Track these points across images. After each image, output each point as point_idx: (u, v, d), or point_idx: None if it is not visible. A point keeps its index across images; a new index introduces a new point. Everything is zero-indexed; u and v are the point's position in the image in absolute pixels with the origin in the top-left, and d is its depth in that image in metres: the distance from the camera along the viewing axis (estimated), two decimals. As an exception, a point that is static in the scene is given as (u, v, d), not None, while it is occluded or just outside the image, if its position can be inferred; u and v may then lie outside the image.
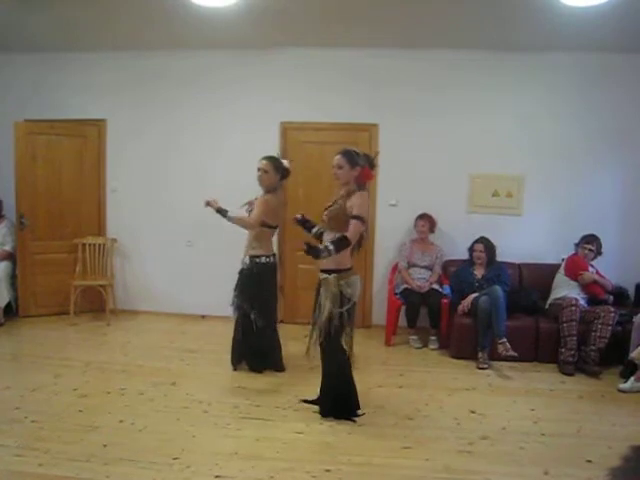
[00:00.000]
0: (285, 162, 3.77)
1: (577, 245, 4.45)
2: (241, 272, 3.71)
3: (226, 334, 3.88)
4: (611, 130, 4.77)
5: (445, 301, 4.50)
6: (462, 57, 4.79)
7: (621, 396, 3.57)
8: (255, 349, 3.74)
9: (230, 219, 3.51)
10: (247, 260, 3.67)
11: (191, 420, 3.04)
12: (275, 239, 3.95)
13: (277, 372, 3.78)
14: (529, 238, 4.87)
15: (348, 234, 2.89)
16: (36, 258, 5.06)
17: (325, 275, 3.00)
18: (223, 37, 4.64)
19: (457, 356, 4.27)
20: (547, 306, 4.38)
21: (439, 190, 4.95)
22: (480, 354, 4.12)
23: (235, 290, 3.73)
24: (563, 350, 4.01)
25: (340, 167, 3.00)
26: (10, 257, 5.02)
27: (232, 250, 4.25)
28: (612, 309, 4.01)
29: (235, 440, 2.83)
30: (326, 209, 3.06)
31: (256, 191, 3.70)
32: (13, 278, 5.01)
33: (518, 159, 4.88)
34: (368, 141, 4.96)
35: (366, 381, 3.59)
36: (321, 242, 3.11)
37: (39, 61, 5.22)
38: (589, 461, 2.67)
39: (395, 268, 4.92)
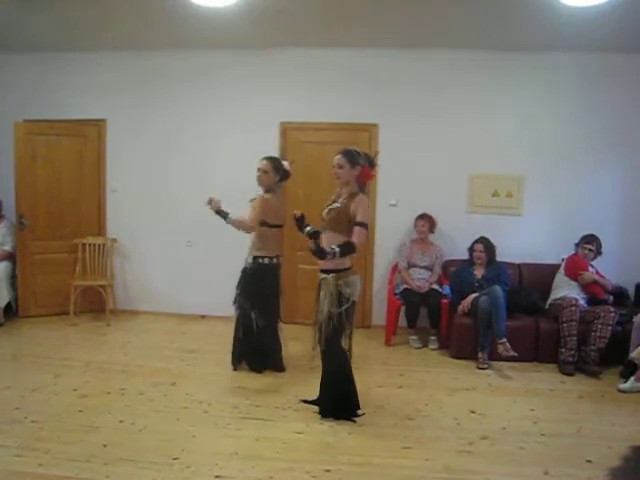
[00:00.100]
0: (285, 163, 3.76)
1: (577, 245, 4.45)
2: (244, 271, 3.71)
3: (226, 334, 3.88)
4: (611, 130, 4.77)
5: (445, 301, 4.50)
6: (462, 57, 4.79)
7: (621, 396, 3.57)
8: (255, 349, 3.75)
9: (230, 222, 3.52)
10: (250, 260, 3.67)
11: (191, 420, 3.04)
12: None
13: (277, 372, 3.78)
14: (529, 238, 4.87)
15: (354, 240, 2.90)
16: (36, 258, 5.06)
17: (324, 275, 3.00)
18: (223, 37, 4.64)
19: (457, 356, 4.27)
20: (547, 306, 4.38)
21: (439, 190, 4.95)
22: (480, 354, 4.12)
23: (237, 288, 3.73)
24: (563, 350, 4.01)
25: (340, 167, 3.00)
26: (10, 257, 5.02)
27: (232, 250, 4.26)
28: (612, 309, 4.01)
29: (235, 440, 2.83)
30: (326, 207, 3.06)
31: (256, 191, 3.70)
32: (13, 278, 5.01)
33: (518, 159, 4.88)
34: (368, 141, 4.96)
35: (366, 381, 3.59)
36: (315, 242, 3.14)
37: (39, 61, 5.22)
38: (589, 461, 2.67)
39: (395, 268, 4.91)
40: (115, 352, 4.21)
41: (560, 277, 4.44)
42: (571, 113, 4.81)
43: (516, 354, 3.93)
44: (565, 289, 4.31)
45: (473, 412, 3.26)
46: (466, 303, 4.28)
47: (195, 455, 2.66)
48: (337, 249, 2.85)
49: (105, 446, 2.70)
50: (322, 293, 3.00)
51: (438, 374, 3.95)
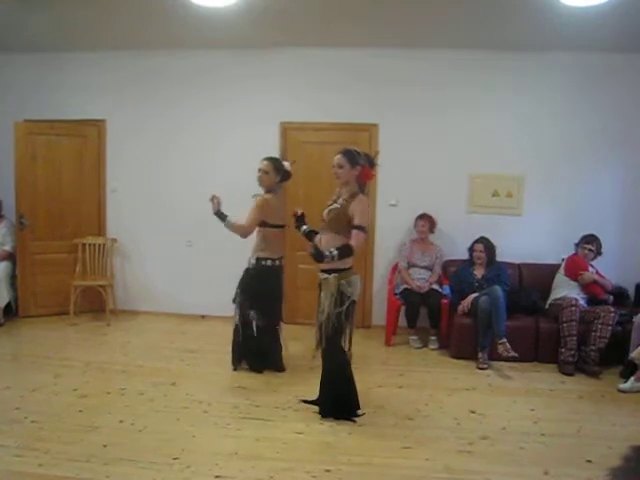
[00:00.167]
0: (286, 164, 3.76)
1: (577, 245, 4.45)
2: (247, 271, 3.71)
3: (226, 334, 3.88)
4: (611, 130, 4.77)
5: (445, 301, 4.50)
6: (462, 57, 4.79)
7: (621, 396, 3.57)
8: (255, 349, 3.74)
9: (227, 225, 3.53)
10: (253, 261, 3.66)
11: (191, 420, 3.04)
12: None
13: (277, 372, 3.78)
14: (529, 238, 4.87)
15: (352, 243, 2.91)
16: (36, 258, 5.06)
17: (325, 275, 3.00)
18: (223, 37, 4.64)
19: (457, 356, 4.27)
20: (547, 306, 4.38)
21: (439, 190, 4.95)
22: (480, 354, 4.11)
23: (238, 287, 3.74)
24: (563, 350, 4.01)
25: (341, 166, 3.00)
26: (10, 257, 5.02)
27: (232, 250, 4.26)
28: (612, 309, 4.01)
29: (235, 440, 2.83)
30: (327, 208, 3.07)
31: (256, 191, 3.70)
32: (13, 278, 5.01)
33: (518, 159, 4.88)
34: (368, 141, 4.96)
35: (366, 381, 3.59)
36: (310, 240, 3.20)
37: (39, 61, 5.22)
38: (589, 461, 2.68)
39: (395, 268, 4.91)
40: (115, 352, 4.21)
41: (560, 277, 4.44)
42: (571, 113, 4.81)
43: (516, 354, 3.93)
44: (565, 289, 4.31)
45: (473, 412, 3.26)
46: (466, 303, 4.28)
47: (195, 455, 2.66)
48: (335, 252, 2.86)
49: (105, 446, 2.70)
50: (323, 293, 3.00)
51: (438, 374, 3.95)
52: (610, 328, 3.93)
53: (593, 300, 4.25)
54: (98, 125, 5.28)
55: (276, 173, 3.66)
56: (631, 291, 4.65)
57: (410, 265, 4.77)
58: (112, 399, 3.30)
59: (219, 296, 4.09)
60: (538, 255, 4.78)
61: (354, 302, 3.03)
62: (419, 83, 4.92)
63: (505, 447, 2.83)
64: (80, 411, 3.10)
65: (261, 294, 3.64)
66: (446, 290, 4.61)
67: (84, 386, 3.49)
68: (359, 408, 3.15)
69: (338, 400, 3.10)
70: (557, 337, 4.08)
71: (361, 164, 3.01)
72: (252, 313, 3.63)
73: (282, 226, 3.70)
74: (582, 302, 4.18)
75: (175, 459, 2.60)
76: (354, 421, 3.07)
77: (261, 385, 3.60)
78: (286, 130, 5.10)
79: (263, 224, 3.60)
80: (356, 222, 2.92)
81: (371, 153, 3.23)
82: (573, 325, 3.99)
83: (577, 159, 4.83)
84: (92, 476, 2.44)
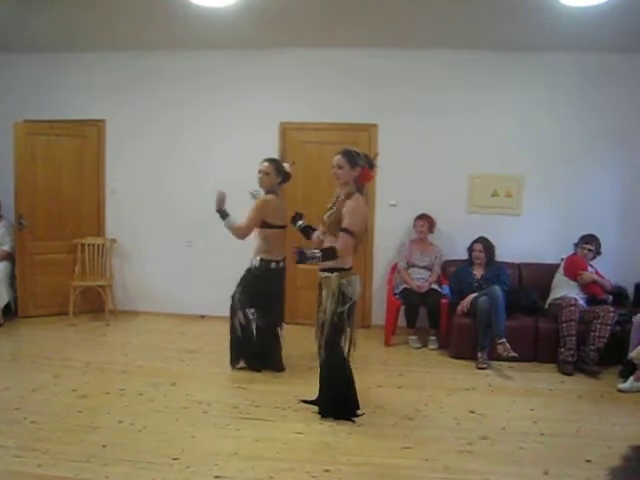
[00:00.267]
0: (286, 165, 3.77)
1: (576, 245, 4.46)
2: (248, 271, 3.71)
3: (226, 334, 3.87)
4: (611, 130, 4.77)
5: (444, 301, 4.50)
6: (462, 57, 4.79)
7: (620, 396, 3.57)
8: (255, 348, 3.74)
9: (227, 224, 3.54)
10: (256, 263, 3.65)
11: (191, 420, 3.04)
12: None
13: (277, 372, 3.78)
14: (528, 238, 4.87)
15: (337, 246, 2.91)
16: (35, 258, 5.06)
17: (326, 274, 3.00)
18: (223, 37, 4.64)
19: (457, 356, 4.27)
20: (546, 306, 4.38)
21: (439, 190, 4.95)
22: (480, 354, 4.12)
23: (239, 286, 3.73)
24: (562, 350, 4.02)
25: (340, 167, 2.99)
26: (9, 257, 5.02)
27: (232, 250, 4.26)
28: (611, 309, 4.01)
29: (235, 440, 2.83)
30: (327, 212, 3.07)
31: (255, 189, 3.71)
32: (12, 278, 5.01)
33: (518, 159, 4.88)
34: (368, 141, 4.96)
35: (366, 381, 3.59)
36: (307, 237, 3.27)
37: (39, 61, 5.22)
38: (589, 461, 2.68)
39: (394, 268, 4.92)
40: (115, 352, 4.21)
41: (559, 277, 4.44)
42: (571, 113, 4.82)
43: (516, 354, 3.93)
44: (564, 289, 4.31)
45: (473, 412, 3.26)
46: (465, 303, 4.28)
47: (195, 455, 2.65)
48: (319, 254, 2.87)
49: (104, 446, 2.70)
50: (324, 292, 3.00)
51: (438, 374, 3.95)
52: (609, 328, 3.93)
53: (592, 300, 4.25)
54: (98, 125, 5.28)
55: (277, 174, 3.67)
56: (630, 291, 4.65)
57: (409, 265, 4.77)
58: (112, 399, 3.30)
59: (219, 296, 4.09)
60: (537, 255, 4.78)
61: (354, 303, 3.03)
62: (418, 83, 4.92)
63: (505, 447, 2.83)
64: (80, 411, 3.10)
65: (262, 294, 3.64)
66: (445, 290, 4.61)
67: (84, 386, 3.49)
68: (359, 408, 3.15)
69: (338, 400, 3.10)
70: (556, 337, 4.08)
71: (361, 165, 3.00)
72: (252, 312, 3.63)
73: (283, 227, 3.70)
74: (581, 302, 4.18)
75: (175, 459, 2.60)
76: (353, 421, 3.07)
77: (261, 385, 3.60)
78: (286, 130, 5.10)
79: (264, 225, 3.60)
80: (344, 224, 2.91)
81: (371, 154, 3.22)
82: (572, 325, 3.99)
83: (576, 159, 4.83)
84: (91, 476, 2.44)
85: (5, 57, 5.20)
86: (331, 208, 3.05)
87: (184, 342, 4.53)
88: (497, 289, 4.16)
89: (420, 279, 4.67)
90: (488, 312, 4.07)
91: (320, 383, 3.18)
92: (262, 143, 4.92)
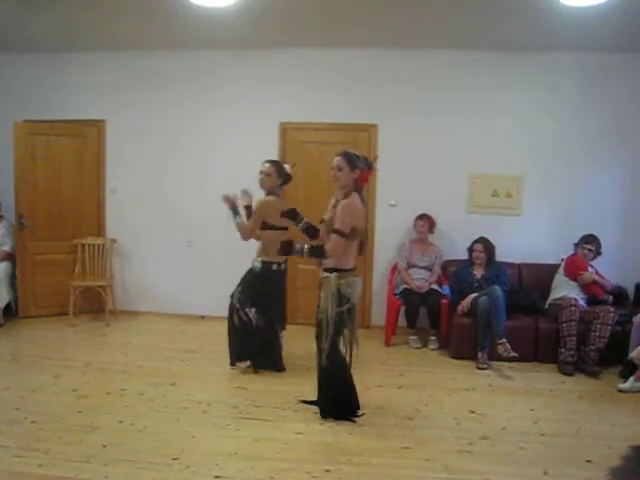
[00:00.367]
0: (287, 166, 3.76)
1: (576, 245, 4.46)
2: (250, 271, 3.71)
3: (226, 335, 3.87)
4: (611, 130, 4.77)
5: (444, 301, 4.50)
6: (462, 57, 4.79)
7: (621, 396, 3.57)
8: (256, 347, 3.73)
9: (236, 222, 3.58)
10: (258, 264, 3.65)
11: (191, 420, 3.04)
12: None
13: (277, 372, 3.78)
14: (529, 238, 4.87)
15: (327, 246, 2.91)
16: (36, 259, 5.06)
17: (326, 274, 3.00)
18: (223, 37, 4.64)
19: (457, 356, 4.27)
20: (546, 306, 4.38)
21: (439, 190, 4.95)
22: (480, 354, 4.11)
23: (239, 286, 3.74)
24: (563, 350, 4.02)
25: (340, 169, 2.98)
26: (9, 257, 5.02)
27: (232, 250, 4.27)
28: (611, 309, 4.01)
29: (235, 440, 2.83)
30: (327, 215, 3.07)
31: (256, 191, 3.70)
32: (12, 279, 5.01)
33: (518, 159, 4.88)
34: (367, 141, 4.96)
35: (366, 381, 3.59)
36: (311, 237, 3.20)
37: (39, 61, 5.22)
38: (589, 461, 2.68)
39: (394, 268, 4.92)
40: (115, 352, 4.21)
41: (559, 277, 4.44)
42: (571, 113, 4.82)
43: (516, 354, 3.93)
44: (565, 289, 4.31)
45: (473, 412, 3.26)
46: (466, 303, 4.28)
47: (195, 455, 2.66)
48: (306, 249, 2.90)
49: (105, 446, 2.70)
50: (323, 292, 3.00)
51: (438, 374, 3.95)
52: (609, 328, 3.93)
53: (593, 300, 4.25)
54: (98, 125, 5.28)
55: (278, 176, 3.67)
56: (630, 291, 4.65)
57: (410, 265, 4.77)
58: (112, 399, 3.30)
59: (219, 296, 4.09)
60: (538, 255, 4.78)
61: (353, 306, 3.02)
62: (418, 83, 4.92)
63: (505, 447, 2.83)
64: (80, 411, 3.10)
65: (262, 294, 3.64)
66: (446, 290, 4.61)
67: (84, 386, 3.49)
68: (359, 408, 3.16)
69: (337, 400, 3.10)
70: (557, 337, 4.08)
71: (360, 168, 3.00)
72: (252, 312, 3.63)
73: (285, 228, 3.69)
74: (582, 302, 4.18)
75: (175, 459, 2.60)
76: (354, 421, 3.07)
77: (261, 385, 3.60)
78: (286, 130, 5.10)
79: (265, 226, 3.60)
80: (335, 225, 2.90)
81: (370, 156, 3.22)
82: (573, 325, 3.99)
83: (576, 159, 4.83)
84: (92, 476, 2.44)
85: (5, 57, 5.20)
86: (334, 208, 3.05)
87: (184, 342, 4.53)
88: (497, 289, 4.16)
89: (420, 279, 4.67)
90: (488, 312, 4.07)
91: (319, 384, 3.17)
92: (262, 143, 4.93)
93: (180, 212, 5.22)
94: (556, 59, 4.76)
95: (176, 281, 5.29)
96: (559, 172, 4.85)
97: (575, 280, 4.31)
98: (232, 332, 3.79)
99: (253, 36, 4.66)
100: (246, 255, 3.79)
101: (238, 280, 3.77)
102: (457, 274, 4.55)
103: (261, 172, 3.66)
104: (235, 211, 3.58)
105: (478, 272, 4.48)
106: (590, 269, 4.36)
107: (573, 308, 4.02)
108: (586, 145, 4.82)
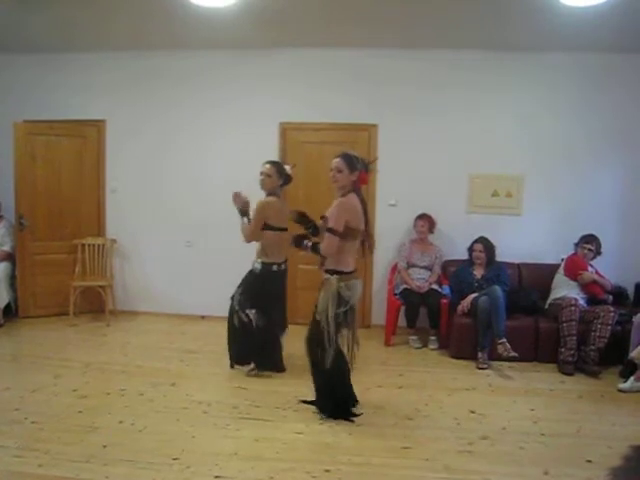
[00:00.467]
0: (287, 167, 3.76)
1: (576, 245, 4.46)
2: (251, 272, 3.71)
3: (225, 335, 3.87)
4: (611, 130, 4.77)
5: (444, 301, 4.50)
6: (462, 57, 4.79)
7: (621, 396, 3.57)
8: (256, 349, 3.73)
9: (243, 223, 3.60)
10: (258, 265, 3.65)
11: (191, 421, 3.04)
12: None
13: (277, 372, 3.78)
14: (529, 238, 4.87)
15: (321, 246, 2.93)
16: (35, 259, 5.06)
17: (327, 275, 3.00)
18: (223, 37, 4.64)
19: (457, 356, 4.27)
20: (547, 306, 4.38)
21: (439, 190, 4.95)
22: (480, 354, 4.11)
23: (239, 287, 3.74)
24: (563, 350, 4.02)
25: (340, 171, 2.98)
26: (9, 258, 5.02)
27: (232, 250, 4.27)
28: (612, 309, 4.01)
29: (235, 440, 2.83)
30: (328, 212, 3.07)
31: (256, 191, 3.70)
32: (12, 279, 5.01)
33: (518, 159, 4.88)
34: (367, 141, 4.97)
35: (366, 381, 3.59)
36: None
37: (38, 62, 5.22)
38: (589, 461, 2.68)
39: (394, 268, 4.92)
40: (115, 352, 4.21)
41: (560, 277, 4.44)
42: (571, 113, 4.82)
43: (516, 354, 3.93)
44: (565, 289, 4.31)
45: (473, 412, 3.26)
46: (466, 303, 4.28)
47: (195, 455, 2.66)
48: (310, 245, 2.98)
49: (105, 447, 2.70)
50: (323, 294, 3.00)
51: (438, 374, 3.95)
52: (610, 328, 3.93)
53: (593, 300, 4.25)
54: (98, 125, 5.27)
55: (278, 176, 3.67)
56: (630, 291, 4.65)
57: (410, 265, 4.77)
58: (112, 400, 3.30)
59: (219, 296, 4.09)
60: (538, 255, 4.78)
61: (352, 308, 3.02)
62: (419, 83, 4.92)
63: (505, 447, 2.83)
64: (80, 412, 3.10)
65: (263, 295, 3.64)
66: (446, 290, 4.61)
67: (84, 387, 3.49)
68: (355, 407, 3.16)
69: (335, 400, 3.10)
70: (557, 337, 4.08)
71: (359, 169, 3.00)
72: (252, 313, 3.63)
73: (284, 229, 3.69)
74: (582, 302, 4.18)
75: (175, 459, 2.60)
76: (352, 421, 3.07)
77: (261, 385, 3.60)
78: (285, 130, 5.10)
79: (265, 227, 3.60)
80: (329, 224, 2.91)
81: (368, 158, 3.21)
82: (573, 325, 3.99)
83: (576, 159, 4.83)
84: (92, 476, 2.44)
85: (5, 57, 5.20)
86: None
87: (184, 342, 4.53)
88: (497, 289, 4.16)
89: (420, 279, 4.67)
90: (488, 312, 4.07)
91: (317, 384, 3.17)
92: (262, 143, 4.93)
93: (180, 212, 5.22)
94: (556, 59, 4.76)
95: (176, 281, 5.29)
96: (559, 172, 4.85)
97: (575, 280, 4.31)
98: (232, 334, 3.79)
99: (253, 36, 4.66)
100: (246, 255, 3.79)
101: (238, 280, 3.77)
102: (457, 274, 4.55)
103: (261, 173, 3.66)
104: (243, 212, 3.59)
105: (478, 272, 4.48)
106: (590, 269, 4.36)
107: (573, 308, 4.02)
108: (586, 145, 4.82)
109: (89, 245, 5.18)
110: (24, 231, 4.99)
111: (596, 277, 4.31)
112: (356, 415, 3.12)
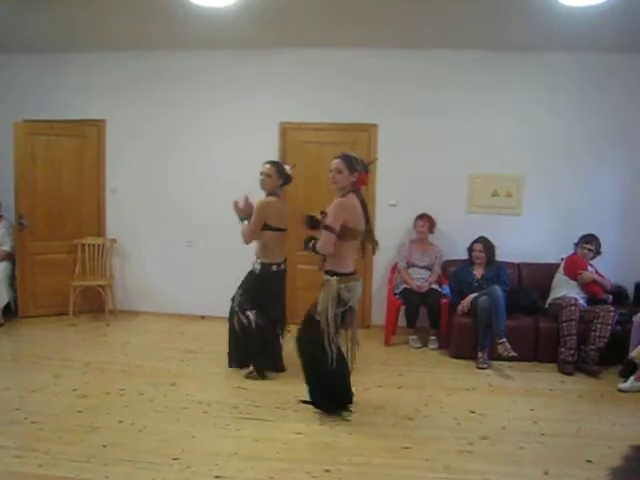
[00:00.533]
0: (287, 167, 3.76)
1: (576, 245, 4.46)
2: (251, 273, 3.71)
3: (226, 335, 3.87)
4: (611, 130, 4.77)
5: (444, 301, 4.50)
6: (462, 57, 4.79)
7: (621, 396, 3.57)
8: (256, 350, 3.73)
9: (242, 226, 3.60)
10: (258, 266, 3.65)
11: (191, 420, 3.04)
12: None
13: (277, 372, 3.78)
14: (529, 238, 4.87)
15: (318, 244, 2.93)
16: (35, 259, 5.06)
17: (327, 276, 3.01)
18: (223, 37, 4.64)
19: (457, 356, 4.27)
20: (547, 306, 4.38)
21: (439, 190, 4.95)
22: (480, 354, 4.11)
23: (239, 288, 3.74)
24: (563, 350, 4.02)
25: (340, 171, 2.99)
26: (9, 257, 5.02)
27: (232, 250, 4.26)
28: (611, 308, 4.01)
29: (235, 440, 2.83)
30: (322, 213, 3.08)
31: (256, 191, 3.70)
32: (12, 279, 5.01)
33: (518, 159, 4.88)
34: (367, 141, 4.96)
35: (366, 381, 3.60)
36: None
37: (38, 61, 5.22)
38: (589, 461, 2.68)
39: (394, 268, 4.92)
40: (115, 352, 4.21)
41: (559, 277, 4.44)
42: (571, 113, 4.82)
43: (516, 354, 3.93)
44: (564, 289, 4.31)
45: (473, 412, 3.26)
46: (466, 303, 4.28)
47: (195, 455, 2.66)
48: (311, 245, 2.98)
49: (105, 446, 2.70)
50: (322, 294, 3.00)
51: (438, 374, 3.95)
52: (610, 327, 3.93)
53: (593, 299, 4.25)
54: (98, 125, 5.27)
55: (278, 176, 3.67)
56: (630, 290, 4.65)
57: (409, 265, 4.77)
58: (112, 399, 3.30)
59: (219, 296, 4.09)
60: (537, 255, 4.78)
61: (351, 309, 3.03)
62: (419, 83, 4.92)
63: (505, 447, 2.83)
64: (80, 411, 3.10)
65: (262, 294, 3.64)
66: (446, 290, 4.61)
67: (84, 386, 3.49)
68: (351, 402, 3.19)
69: (332, 399, 3.11)
70: (557, 337, 4.08)
71: (359, 170, 3.00)
72: (252, 313, 3.63)
73: (284, 229, 3.69)
74: (582, 301, 4.18)
75: (175, 459, 2.60)
76: (348, 420, 3.07)
77: (261, 385, 3.60)
78: (285, 130, 5.10)
79: (265, 227, 3.60)
80: (326, 222, 2.93)
81: (370, 158, 3.22)
82: (573, 325, 3.99)
83: (576, 159, 4.83)
84: (92, 476, 2.44)
85: (4, 57, 5.20)
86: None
87: (184, 342, 4.53)
88: (497, 289, 4.16)
89: (420, 279, 4.67)
90: (488, 312, 4.07)
91: (308, 384, 3.18)
92: (262, 143, 4.93)
93: (180, 212, 5.22)
94: (556, 59, 4.76)
95: (176, 281, 5.29)
96: (559, 172, 4.85)
97: (575, 279, 4.31)
98: (232, 337, 3.79)
99: (253, 36, 4.66)
100: (246, 255, 3.78)
101: (238, 280, 3.77)
102: (457, 274, 4.55)
103: (262, 173, 3.66)
104: (243, 217, 3.60)
105: (478, 272, 4.48)
106: (590, 268, 4.36)
107: (573, 307, 4.02)
108: (586, 145, 4.82)
109: (89, 245, 5.18)
110: (24, 231, 4.99)
111: (596, 277, 4.31)
112: (349, 410, 3.13)
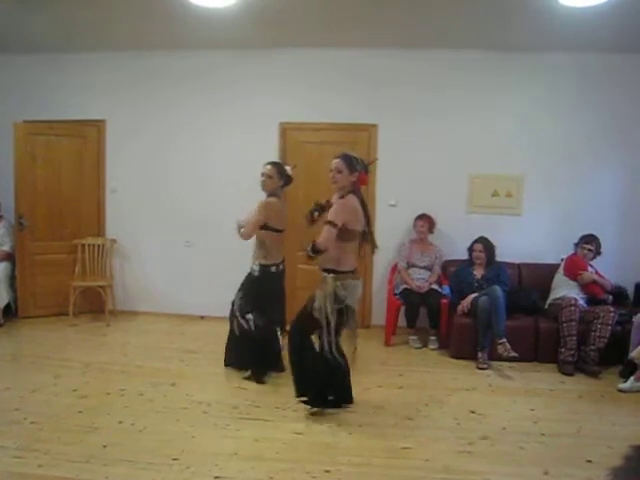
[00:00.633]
0: (288, 168, 3.76)
1: (576, 245, 4.46)
2: (249, 275, 3.71)
3: (225, 335, 3.87)
4: (611, 130, 4.77)
5: (444, 301, 4.50)
6: (462, 57, 4.79)
7: (621, 396, 3.57)
8: (256, 354, 3.72)
9: (237, 227, 3.64)
10: (257, 268, 3.64)
11: (191, 421, 3.04)
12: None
13: (277, 372, 3.78)
14: (529, 238, 4.87)
15: (319, 240, 2.91)
16: (35, 259, 5.06)
17: (324, 274, 3.01)
18: (223, 37, 4.64)
19: (457, 356, 4.27)
20: (546, 306, 4.38)
21: (439, 190, 4.95)
22: (480, 354, 4.11)
23: (239, 291, 3.74)
24: (563, 350, 4.02)
25: (339, 171, 2.99)
26: (9, 258, 5.02)
27: (231, 250, 4.26)
28: (611, 309, 4.01)
29: (235, 441, 2.83)
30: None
31: (255, 191, 3.70)
32: (12, 279, 5.01)
33: (518, 159, 4.88)
34: (367, 141, 4.96)
35: (366, 381, 3.60)
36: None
37: (38, 62, 5.22)
38: (589, 461, 2.68)
39: (394, 268, 4.91)
40: (115, 353, 4.21)
41: (559, 277, 4.44)
42: (571, 113, 4.82)
43: (516, 354, 3.93)
44: (564, 289, 4.31)
45: (473, 412, 3.26)
46: (466, 303, 4.28)
47: (195, 456, 2.65)
48: (309, 248, 2.92)
49: (105, 447, 2.70)
50: (319, 292, 3.01)
51: (438, 374, 3.95)
52: (610, 328, 3.93)
53: (592, 300, 4.25)
54: (98, 125, 5.27)
55: (279, 177, 3.67)
56: (630, 291, 4.65)
57: (409, 265, 4.77)
58: (112, 400, 3.30)
59: (219, 297, 4.09)
60: (537, 255, 4.78)
61: (349, 307, 3.02)
62: (419, 83, 4.92)
63: (505, 447, 2.83)
64: (80, 412, 3.10)
65: (262, 295, 3.64)
66: (446, 290, 4.61)
67: (84, 387, 3.49)
68: (352, 402, 3.20)
69: (318, 388, 3.12)
70: (557, 337, 4.08)
71: (359, 170, 3.01)
72: (252, 316, 3.63)
73: (282, 230, 3.69)
74: (581, 302, 4.18)
75: (175, 460, 2.60)
76: (341, 406, 3.12)
77: (261, 385, 3.60)
78: (285, 130, 5.09)
79: (264, 227, 3.59)
80: (328, 218, 2.93)
81: (368, 159, 3.22)
82: (573, 325, 3.99)
83: (576, 159, 4.84)
84: (92, 477, 2.44)
85: (4, 57, 5.20)
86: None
87: (184, 342, 4.53)
88: (497, 289, 4.16)
89: (420, 279, 4.67)
90: (488, 312, 4.07)
91: (309, 382, 3.17)
92: (262, 143, 4.93)
93: (180, 212, 5.21)
94: (556, 59, 4.76)
95: (176, 281, 5.29)
96: (559, 172, 4.85)
97: (575, 280, 4.31)
98: (232, 340, 3.80)
99: (253, 36, 4.66)
100: (246, 255, 3.78)
101: (237, 280, 3.77)
102: (457, 274, 4.55)
103: (262, 174, 3.65)
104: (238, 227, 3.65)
105: (478, 272, 4.48)
106: (590, 269, 4.36)
107: (573, 308, 4.02)
108: (586, 145, 4.82)
109: (89, 245, 5.18)
110: (24, 231, 4.99)
111: (596, 277, 4.31)
112: (341, 406, 3.17)
